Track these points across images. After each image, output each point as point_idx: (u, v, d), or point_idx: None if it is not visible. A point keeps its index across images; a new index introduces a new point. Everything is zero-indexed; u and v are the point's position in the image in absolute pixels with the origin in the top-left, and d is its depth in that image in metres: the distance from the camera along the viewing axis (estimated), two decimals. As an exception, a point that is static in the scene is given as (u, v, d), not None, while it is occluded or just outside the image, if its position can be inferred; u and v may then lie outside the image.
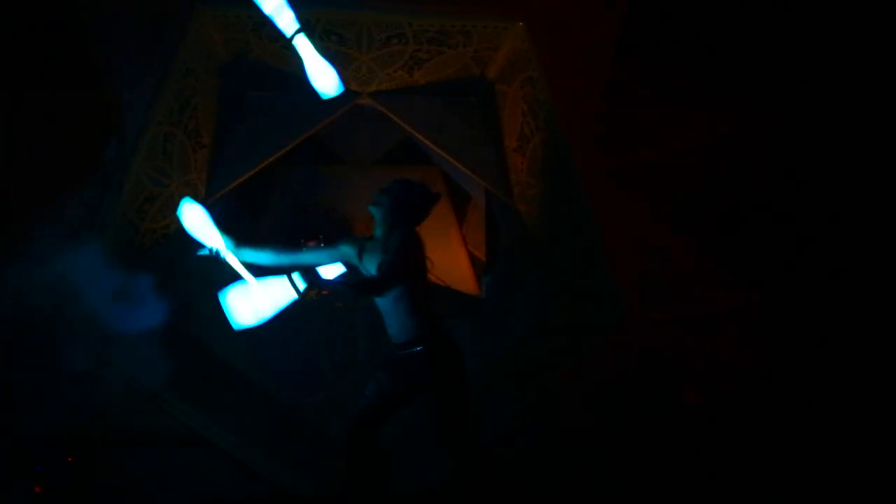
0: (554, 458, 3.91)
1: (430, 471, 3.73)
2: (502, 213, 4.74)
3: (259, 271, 2.82)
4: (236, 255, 2.75)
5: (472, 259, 6.35)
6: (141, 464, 3.78)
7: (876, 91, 4.27)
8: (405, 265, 2.68)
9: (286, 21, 3.15)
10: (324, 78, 3.25)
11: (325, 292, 3.19)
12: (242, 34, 4.08)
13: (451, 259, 6.17)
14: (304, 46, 3.20)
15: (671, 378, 3.96)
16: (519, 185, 4.45)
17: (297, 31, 3.16)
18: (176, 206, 3.98)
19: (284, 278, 2.83)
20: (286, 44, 3.23)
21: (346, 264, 3.03)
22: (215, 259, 2.72)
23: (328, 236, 6.35)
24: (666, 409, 3.96)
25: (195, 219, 2.74)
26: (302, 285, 2.85)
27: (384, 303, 2.75)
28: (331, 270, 2.98)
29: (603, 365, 3.97)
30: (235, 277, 2.75)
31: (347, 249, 2.92)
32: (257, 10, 3.88)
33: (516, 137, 4.37)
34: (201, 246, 2.76)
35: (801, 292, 4.05)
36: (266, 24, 3.98)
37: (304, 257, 2.98)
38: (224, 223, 4.65)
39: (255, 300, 2.74)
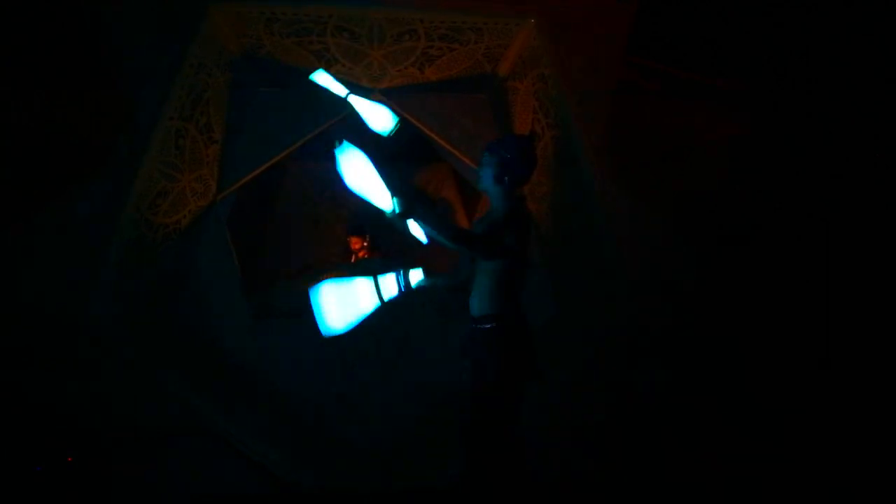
0: (563, 458, 3.91)
1: (439, 469, 3.74)
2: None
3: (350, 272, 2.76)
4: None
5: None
6: (145, 459, 3.80)
7: (886, 91, 4.23)
8: (501, 240, 2.71)
9: (338, 89, 3.48)
10: (379, 119, 3.47)
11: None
12: (254, 30, 4.08)
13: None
14: (356, 101, 3.50)
15: (679, 379, 3.94)
16: (529, 184, 4.43)
17: (348, 94, 3.48)
18: (188, 201, 4.05)
19: (370, 281, 2.64)
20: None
21: None
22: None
23: (343, 232, 6.39)
24: (674, 411, 3.95)
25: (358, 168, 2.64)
26: (388, 294, 2.65)
27: (475, 274, 2.81)
28: (417, 275, 2.75)
29: (612, 365, 3.96)
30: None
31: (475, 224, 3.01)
32: (269, 6, 3.91)
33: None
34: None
35: (811, 294, 4.03)
36: (277, 21, 4.00)
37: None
38: (234, 217, 4.69)
39: (345, 304, 2.56)
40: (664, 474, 3.87)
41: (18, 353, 3.53)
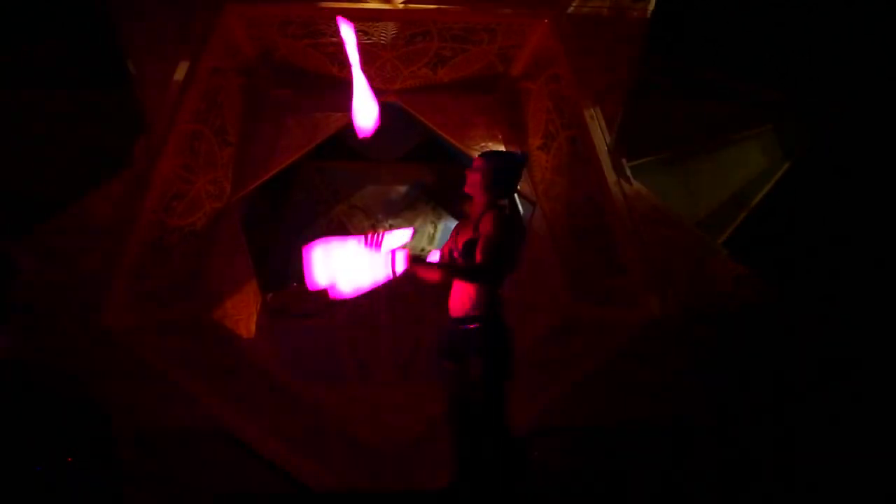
0: (578, 458, 3.90)
1: (440, 469, 3.73)
2: (526, 210, 4.73)
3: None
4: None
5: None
6: (161, 459, 3.82)
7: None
8: (507, 254, 2.73)
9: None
10: (365, 115, 3.13)
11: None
12: (268, 33, 4.10)
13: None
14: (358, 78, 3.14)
15: (700, 376, 3.93)
16: (543, 183, 4.43)
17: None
18: (203, 203, 4.08)
19: (387, 256, 2.66)
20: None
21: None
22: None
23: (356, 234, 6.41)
24: (692, 409, 3.93)
25: None
26: (401, 267, 2.67)
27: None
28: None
29: (629, 364, 3.94)
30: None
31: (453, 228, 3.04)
32: (283, 9, 3.93)
33: (541, 135, 4.35)
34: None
35: (828, 292, 4.00)
36: (292, 23, 4.02)
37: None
38: (248, 219, 4.71)
39: (333, 263, 2.60)
40: (674, 476, 3.86)
41: (35, 352, 3.57)
